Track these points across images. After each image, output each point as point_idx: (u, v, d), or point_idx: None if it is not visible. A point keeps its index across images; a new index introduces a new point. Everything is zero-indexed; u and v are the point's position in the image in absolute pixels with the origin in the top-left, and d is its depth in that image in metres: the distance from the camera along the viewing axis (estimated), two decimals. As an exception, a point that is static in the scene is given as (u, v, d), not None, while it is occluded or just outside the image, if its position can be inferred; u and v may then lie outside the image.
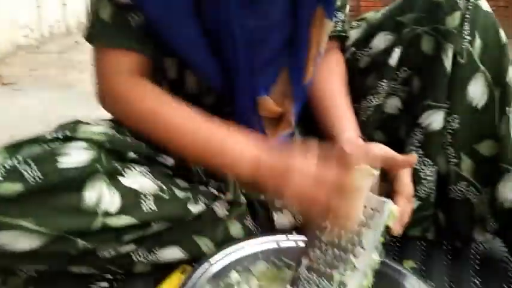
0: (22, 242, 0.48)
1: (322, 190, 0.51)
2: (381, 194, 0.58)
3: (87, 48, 0.65)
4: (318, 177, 0.51)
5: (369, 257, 0.55)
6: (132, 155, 0.59)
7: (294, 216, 0.75)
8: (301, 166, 0.52)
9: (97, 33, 0.61)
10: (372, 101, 0.75)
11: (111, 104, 0.63)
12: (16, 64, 2.72)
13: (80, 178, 0.51)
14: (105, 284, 0.63)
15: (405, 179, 0.60)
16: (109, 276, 0.64)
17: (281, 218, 0.74)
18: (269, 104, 0.69)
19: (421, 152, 0.72)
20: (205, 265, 0.60)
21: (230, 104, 0.68)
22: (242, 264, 0.64)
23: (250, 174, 0.54)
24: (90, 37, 0.62)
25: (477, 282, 0.73)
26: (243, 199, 0.70)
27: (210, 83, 0.67)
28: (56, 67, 2.69)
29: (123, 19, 0.60)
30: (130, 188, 0.55)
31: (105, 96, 0.63)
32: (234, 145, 0.56)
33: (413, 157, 0.59)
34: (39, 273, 0.59)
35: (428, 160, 0.72)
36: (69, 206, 0.50)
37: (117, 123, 0.63)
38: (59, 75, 2.54)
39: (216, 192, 0.68)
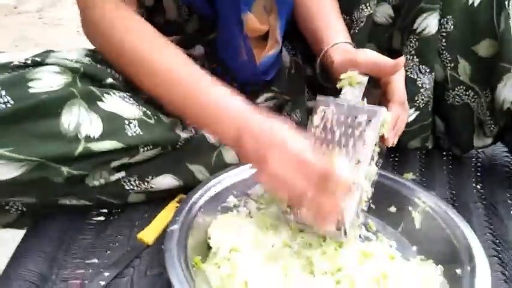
0: (3, 171, 0.46)
1: (301, 178, 0.44)
2: (373, 102, 0.56)
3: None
4: (300, 162, 0.45)
5: (365, 169, 0.53)
6: (110, 80, 0.55)
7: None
8: (284, 144, 0.45)
9: None
10: (363, 10, 0.71)
11: (94, 35, 0.58)
12: (-5, 27, 2.62)
13: (54, 103, 0.48)
14: (101, 218, 0.62)
15: (397, 84, 0.57)
16: (105, 210, 0.63)
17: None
18: (253, 21, 0.65)
19: (416, 59, 0.69)
20: (202, 191, 0.59)
21: (214, 28, 0.64)
22: (239, 189, 0.63)
23: (233, 140, 0.49)
24: None
25: (479, 188, 0.72)
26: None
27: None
28: (36, 27, 2.59)
29: None
30: (112, 113, 0.53)
31: (89, 25, 0.58)
32: (220, 107, 0.50)
33: (401, 59, 0.56)
34: (30, 209, 0.58)
35: (425, 67, 0.69)
36: (48, 133, 0.48)
37: (93, 51, 0.60)
38: (40, 34, 2.45)
39: (205, 119, 0.65)
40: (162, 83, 0.53)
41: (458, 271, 0.50)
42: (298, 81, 0.76)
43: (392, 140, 0.55)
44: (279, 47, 0.69)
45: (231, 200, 0.61)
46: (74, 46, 0.62)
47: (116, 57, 0.56)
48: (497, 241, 0.61)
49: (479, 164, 0.78)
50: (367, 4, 0.70)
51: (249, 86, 0.72)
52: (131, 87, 0.58)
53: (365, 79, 0.56)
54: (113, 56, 0.57)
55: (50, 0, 3.08)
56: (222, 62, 0.69)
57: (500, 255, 0.59)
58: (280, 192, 0.49)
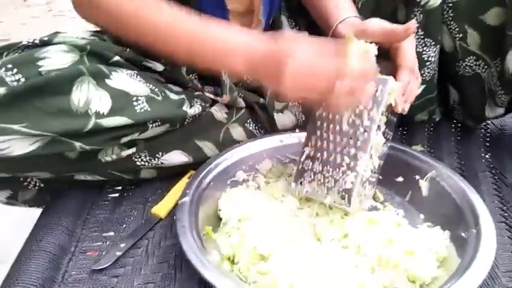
0: (18, 146, 0.49)
1: (321, 74, 0.48)
2: (382, 72, 0.56)
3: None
4: (315, 62, 0.49)
5: (372, 138, 0.54)
6: (117, 58, 0.57)
7: (296, 115, 0.74)
8: (295, 50, 0.48)
9: None
10: None
11: (89, 8, 0.58)
12: (6, 20, 2.67)
13: (64, 80, 0.50)
14: (115, 195, 0.64)
15: (407, 50, 0.57)
16: (119, 187, 0.65)
17: (282, 118, 0.73)
18: None
19: (421, 32, 0.68)
20: (211, 166, 0.61)
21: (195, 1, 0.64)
22: (247, 164, 0.64)
23: (244, 66, 0.52)
24: None
25: (488, 157, 0.72)
26: (241, 102, 0.69)
27: None
28: (46, 19, 2.62)
29: None
30: (120, 90, 0.54)
31: (83, 1, 0.58)
32: (224, 37, 0.53)
33: (412, 22, 0.55)
34: (47, 185, 0.60)
35: (430, 40, 0.69)
36: (59, 109, 0.50)
37: (98, 32, 0.61)
38: (50, 27, 2.48)
39: (212, 96, 0.67)
40: (166, 36, 0.54)
41: (464, 234, 0.51)
42: None
43: (402, 106, 0.55)
44: (263, 26, 0.69)
45: (240, 175, 0.63)
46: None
47: (116, 27, 0.57)
48: (505, 207, 0.61)
49: (488, 133, 0.78)
50: None
51: None
52: (138, 66, 0.59)
53: (373, 47, 0.56)
54: (114, 27, 0.57)
55: (58, -8, 3.11)
56: None
57: (508, 221, 0.59)
58: (304, 96, 0.53)
